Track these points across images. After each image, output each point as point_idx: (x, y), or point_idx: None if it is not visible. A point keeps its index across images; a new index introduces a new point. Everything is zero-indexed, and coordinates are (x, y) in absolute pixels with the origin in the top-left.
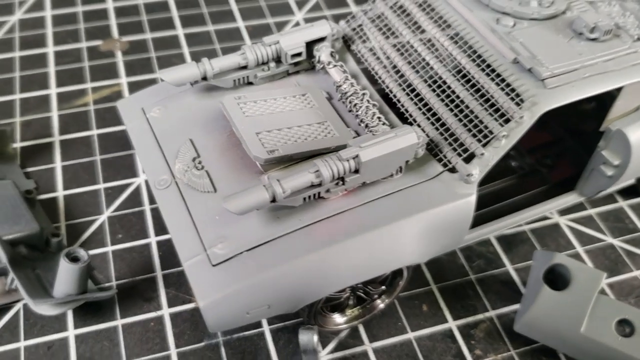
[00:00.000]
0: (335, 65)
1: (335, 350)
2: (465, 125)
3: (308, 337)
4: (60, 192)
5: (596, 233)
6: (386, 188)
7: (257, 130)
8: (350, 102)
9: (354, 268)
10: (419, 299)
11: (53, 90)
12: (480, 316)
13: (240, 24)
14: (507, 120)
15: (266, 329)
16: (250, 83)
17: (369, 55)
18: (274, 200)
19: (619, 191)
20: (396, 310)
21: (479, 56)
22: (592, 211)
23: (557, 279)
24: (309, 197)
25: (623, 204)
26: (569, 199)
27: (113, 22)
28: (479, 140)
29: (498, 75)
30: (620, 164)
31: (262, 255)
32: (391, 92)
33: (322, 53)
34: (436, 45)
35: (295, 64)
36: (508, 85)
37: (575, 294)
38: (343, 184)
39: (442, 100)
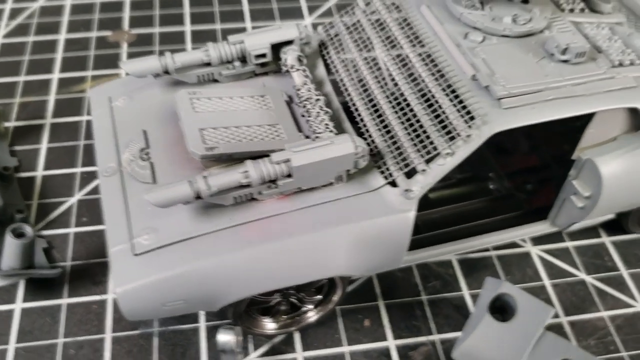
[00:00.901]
0: (298, 69)
1: (265, 354)
2: (412, 139)
3: (226, 338)
4: (39, 172)
5: (569, 267)
6: (323, 196)
7: (202, 126)
8: (304, 107)
9: (278, 272)
10: (363, 313)
11: (55, 75)
12: (422, 339)
13: (248, 24)
14: (454, 138)
15: (202, 325)
16: (215, 80)
17: (338, 63)
18: (199, 196)
19: (603, 226)
20: (336, 322)
21: (439, 71)
22: (570, 244)
23: (506, 309)
24: (241, 197)
25: (606, 239)
26: (540, 228)
27: (127, 14)
28: (423, 156)
29: (453, 91)
30: (591, 196)
31: (184, 250)
32: (351, 100)
33: (289, 56)
34: (402, 57)
35: (263, 65)
36: (461, 102)
37: (518, 327)
38: (276, 187)
39: (396, 112)
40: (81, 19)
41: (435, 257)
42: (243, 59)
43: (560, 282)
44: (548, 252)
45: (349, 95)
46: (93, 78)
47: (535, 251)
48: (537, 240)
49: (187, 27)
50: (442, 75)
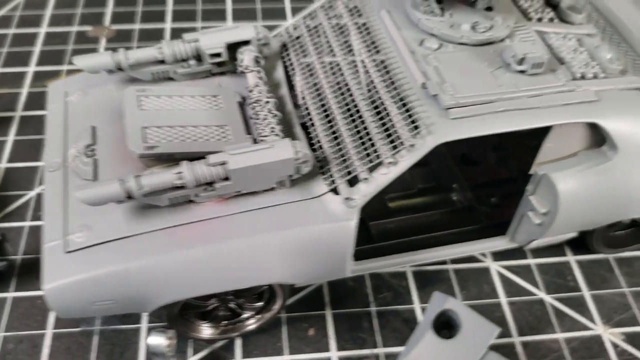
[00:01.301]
0: (252, 70)
1: (203, 359)
2: (358, 147)
3: (156, 341)
4: (3, 164)
5: (528, 285)
6: (264, 201)
7: (145, 124)
8: (253, 109)
9: (211, 277)
10: (309, 321)
11: (31, 69)
12: (366, 351)
13: (230, 24)
14: (397, 147)
15: (144, 325)
16: (171, 79)
17: (296, 66)
18: (130, 196)
19: (569, 244)
20: (280, 330)
21: (391, 78)
22: (532, 261)
23: (453, 326)
24: (177, 198)
25: (571, 258)
26: (498, 243)
27: (109, 9)
28: (366, 165)
29: (402, 99)
30: (548, 213)
31: (116, 250)
32: (305, 105)
33: (245, 56)
34: (357, 63)
35: (220, 65)
36: (409, 110)
37: (461, 345)
38: (213, 190)
39: (346, 120)
40: (64, 13)
41: (386, 267)
42: (199, 58)
43: (517, 300)
44: (508, 268)
45: (303, 99)
46: (68, 72)
47: (495, 267)
48: (498, 256)
49: (168, 25)
50: (393, 83)
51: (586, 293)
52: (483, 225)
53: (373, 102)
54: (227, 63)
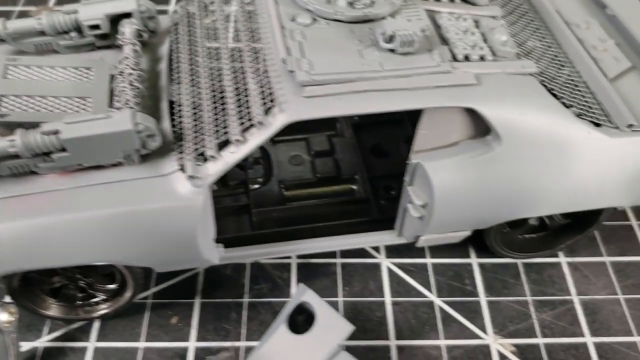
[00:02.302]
0: (128, 43)
1: (57, 339)
2: (211, 125)
3: None
4: None
5: (419, 286)
6: (108, 176)
7: (4, 92)
8: (115, 81)
9: (43, 250)
10: (175, 309)
11: None
12: (227, 344)
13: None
14: (250, 125)
15: None
16: (55, 51)
17: (181, 41)
18: None
19: (475, 245)
20: (143, 316)
21: (256, 53)
22: (430, 260)
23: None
24: (17, 168)
25: (474, 260)
26: (386, 238)
27: None
28: (215, 142)
29: (267, 75)
30: (425, 205)
31: None
32: (177, 80)
33: (126, 29)
34: (229, 37)
35: (104, 37)
36: (270, 87)
37: (312, 341)
38: (52, 161)
39: (210, 96)
40: None
41: (262, 256)
42: (80, 30)
43: (403, 300)
44: (401, 266)
45: (177, 74)
46: None
47: (387, 264)
48: (394, 253)
49: None
50: (257, 59)
51: (483, 299)
52: (374, 219)
53: (236, 78)
54: (110, 36)
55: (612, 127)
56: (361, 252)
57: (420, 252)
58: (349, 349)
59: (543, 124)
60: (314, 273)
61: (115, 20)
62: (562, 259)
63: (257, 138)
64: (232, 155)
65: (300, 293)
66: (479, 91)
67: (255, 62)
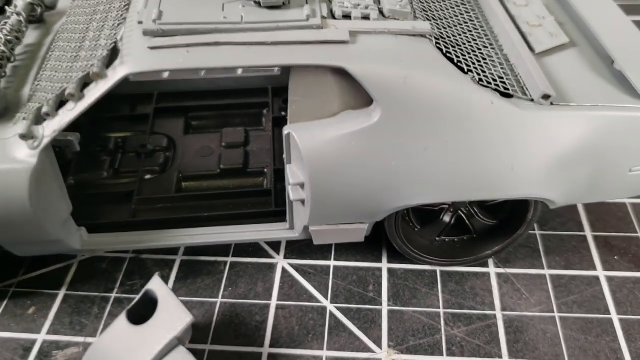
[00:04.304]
0: (14, 13)
1: None
2: (57, 81)
3: None
4: None
5: (313, 290)
6: None
7: None
8: None
9: None
10: (36, 299)
11: None
12: (79, 339)
13: None
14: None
15: None
16: None
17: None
18: None
19: (391, 250)
20: (1, 303)
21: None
22: (334, 263)
23: None
24: None
25: (384, 265)
26: (277, 231)
27: None
28: (53, 100)
29: (120, 29)
30: (303, 185)
31: None
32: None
33: (19, 2)
34: None
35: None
36: (116, 40)
37: (149, 333)
38: None
39: (66, 56)
40: None
41: (130, 244)
42: None
43: (292, 305)
44: (298, 268)
45: (56, 42)
46: None
47: (284, 264)
48: (295, 254)
49: None
50: (127, 7)
51: (384, 308)
52: (270, 211)
53: (95, 34)
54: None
55: (525, 100)
56: (258, 252)
57: (325, 254)
58: (213, 354)
59: (431, 90)
60: (197, 271)
61: None
62: (492, 269)
63: (95, 92)
64: (70, 113)
65: (150, 283)
66: (352, 50)
67: (120, 18)
